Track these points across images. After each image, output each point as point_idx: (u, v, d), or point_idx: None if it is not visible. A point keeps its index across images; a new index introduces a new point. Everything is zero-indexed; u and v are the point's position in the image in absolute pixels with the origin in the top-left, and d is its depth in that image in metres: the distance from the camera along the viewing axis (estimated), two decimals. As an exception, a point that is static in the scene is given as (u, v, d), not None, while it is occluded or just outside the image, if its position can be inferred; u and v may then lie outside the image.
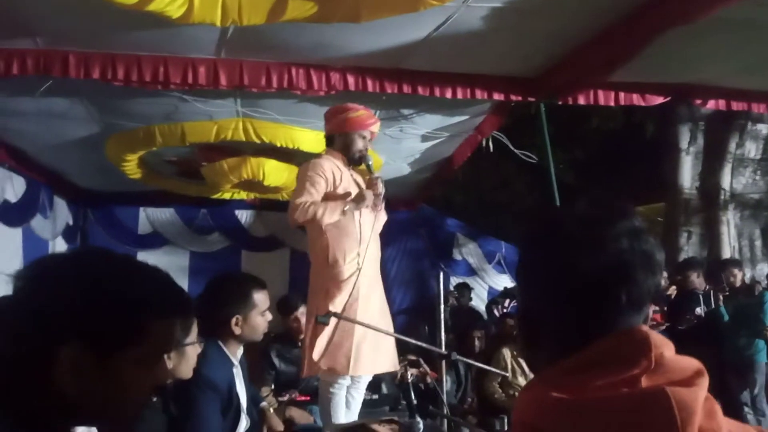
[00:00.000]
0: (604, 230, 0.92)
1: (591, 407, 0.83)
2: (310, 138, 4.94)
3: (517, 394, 5.32)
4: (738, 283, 6.11)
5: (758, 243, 7.57)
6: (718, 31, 3.56)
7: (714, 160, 7.59)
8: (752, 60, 4.13)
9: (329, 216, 3.10)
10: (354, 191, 3.24)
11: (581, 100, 4.52)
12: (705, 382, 0.87)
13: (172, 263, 7.56)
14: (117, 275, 0.97)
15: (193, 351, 2.05)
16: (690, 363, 0.89)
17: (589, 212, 0.96)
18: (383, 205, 3.37)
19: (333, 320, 2.86)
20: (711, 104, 4.90)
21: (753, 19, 3.46)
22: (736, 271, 6.17)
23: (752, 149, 7.63)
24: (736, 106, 4.87)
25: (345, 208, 3.13)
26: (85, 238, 7.66)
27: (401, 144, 5.69)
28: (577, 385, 0.85)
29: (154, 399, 1.88)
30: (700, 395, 0.84)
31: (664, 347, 0.88)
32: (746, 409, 5.67)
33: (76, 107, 4.74)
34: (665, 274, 5.46)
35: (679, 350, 0.92)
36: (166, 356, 1.00)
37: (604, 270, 0.90)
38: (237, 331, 2.36)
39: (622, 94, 4.54)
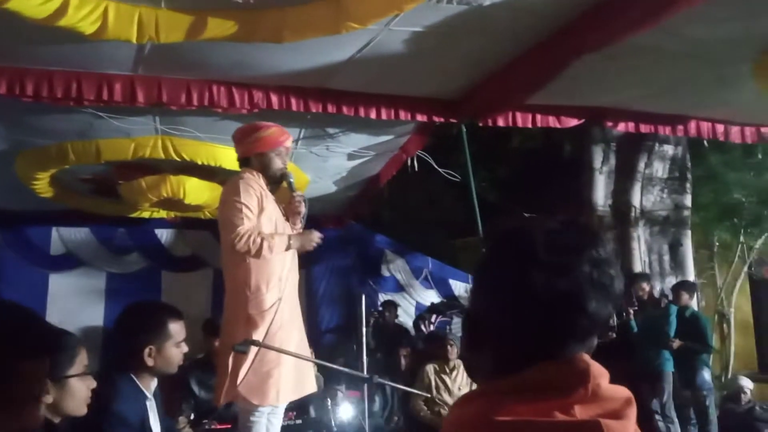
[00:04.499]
0: (570, 256, 0.92)
1: (529, 430, 0.85)
2: (232, 156, 4.78)
3: (442, 411, 5.39)
4: (646, 297, 6.43)
5: (666, 258, 7.99)
6: (627, 57, 3.76)
7: (625, 179, 7.97)
8: (658, 85, 4.39)
9: (275, 252, 2.97)
10: (277, 214, 3.16)
11: (500, 122, 4.66)
12: (633, 411, 0.92)
13: (88, 285, 7.24)
14: None
15: (80, 384, 1.83)
16: (620, 392, 0.93)
17: (560, 234, 0.95)
18: (304, 225, 3.32)
19: (253, 350, 2.78)
20: (621, 126, 5.16)
21: (659, 47, 3.67)
22: (644, 285, 6.48)
23: (660, 169, 8.07)
24: (644, 128, 5.15)
25: (289, 243, 3.03)
26: (-6, 260, 7.19)
27: (327, 162, 5.69)
28: (517, 408, 0.86)
29: None
30: (629, 427, 0.90)
31: (601, 378, 0.91)
32: (657, 416, 5.94)
33: (-20, 123, 4.49)
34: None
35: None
36: (39, 400, 0.97)
37: (559, 296, 0.90)
38: (150, 362, 2.24)
39: (539, 116, 4.72)
